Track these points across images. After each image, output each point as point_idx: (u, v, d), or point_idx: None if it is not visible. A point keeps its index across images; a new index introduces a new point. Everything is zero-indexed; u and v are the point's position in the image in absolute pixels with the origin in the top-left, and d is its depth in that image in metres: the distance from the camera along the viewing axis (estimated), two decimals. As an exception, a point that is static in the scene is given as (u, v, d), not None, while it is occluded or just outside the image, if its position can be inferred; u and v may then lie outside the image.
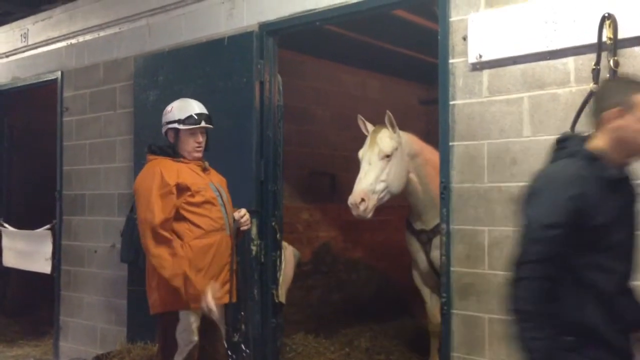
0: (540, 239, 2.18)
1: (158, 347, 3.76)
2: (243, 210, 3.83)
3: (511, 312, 2.21)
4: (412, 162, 4.50)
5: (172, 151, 3.69)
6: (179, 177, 3.56)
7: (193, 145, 3.68)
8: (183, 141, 3.68)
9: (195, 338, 3.57)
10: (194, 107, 3.73)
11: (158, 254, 3.43)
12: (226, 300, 3.71)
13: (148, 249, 3.47)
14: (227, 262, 3.69)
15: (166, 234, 3.45)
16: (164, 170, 3.55)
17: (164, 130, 3.75)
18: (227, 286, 3.69)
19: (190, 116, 3.66)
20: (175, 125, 3.66)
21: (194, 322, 3.57)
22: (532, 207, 2.27)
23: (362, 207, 4.14)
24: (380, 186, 4.27)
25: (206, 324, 3.67)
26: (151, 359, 4.39)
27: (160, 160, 3.65)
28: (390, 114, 4.37)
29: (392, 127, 4.40)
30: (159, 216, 3.44)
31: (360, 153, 4.42)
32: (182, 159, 3.67)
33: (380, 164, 4.29)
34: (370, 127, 4.55)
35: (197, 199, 3.58)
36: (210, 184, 3.69)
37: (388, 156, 4.31)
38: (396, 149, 4.35)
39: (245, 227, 3.85)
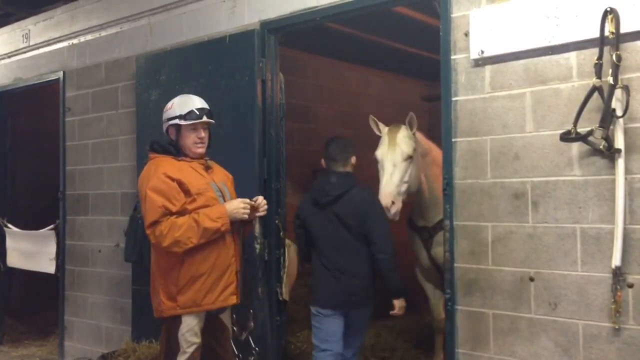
0: None
1: (160, 348, 3.73)
2: (260, 198, 3.72)
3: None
4: (422, 162, 4.46)
5: (174, 149, 3.63)
6: (181, 177, 3.49)
7: (195, 140, 3.60)
8: (185, 137, 3.61)
9: (197, 340, 3.50)
10: (195, 102, 3.67)
11: (163, 234, 3.37)
12: (232, 302, 3.60)
13: (158, 242, 3.42)
14: (230, 264, 3.56)
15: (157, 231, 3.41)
16: (163, 169, 3.49)
17: (165, 127, 3.69)
18: (232, 287, 3.57)
19: (192, 111, 3.60)
20: (177, 121, 3.59)
21: (196, 323, 3.51)
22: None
23: (393, 210, 4.07)
24: (404, 187, 4.23)
25: (215, 324, 3.63)
26: (156, 358, 4.40)
27: (161, 158, 3.58)
28: (413, 115, 4.32)
29: (412, 127, 4.35)
30: (148, 219, 3.42)
31: (380, 154, 4.31)
32: (184, 158, 3.61)
33: (404, 165, 4.24)
34: (382, 127, 4.47)
35: (196, 204, 3.47)
36: (212, 184, 3.61)
37: (410, 157, 4.27)
38: (415, 149, 4.33)
39: (262, 213, 3.74)
